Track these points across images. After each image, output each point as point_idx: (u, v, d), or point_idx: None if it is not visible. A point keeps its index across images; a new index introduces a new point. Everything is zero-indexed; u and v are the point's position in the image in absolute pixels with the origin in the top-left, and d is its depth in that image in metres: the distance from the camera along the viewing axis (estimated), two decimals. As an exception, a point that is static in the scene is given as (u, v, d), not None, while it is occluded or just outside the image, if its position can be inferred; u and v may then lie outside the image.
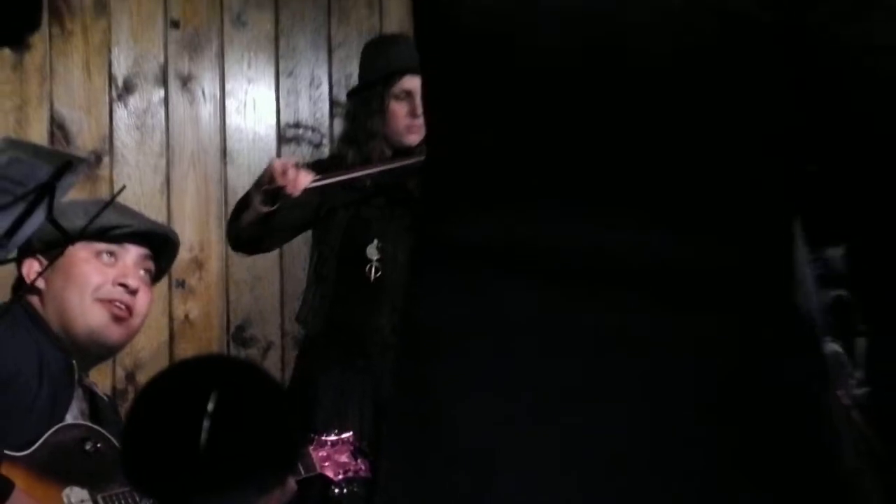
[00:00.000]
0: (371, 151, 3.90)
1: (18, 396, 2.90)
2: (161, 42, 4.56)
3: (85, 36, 4.47)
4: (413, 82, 3.77)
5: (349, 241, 3.89)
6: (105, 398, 3.25)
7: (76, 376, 3.07)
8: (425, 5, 1.72)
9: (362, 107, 3.98)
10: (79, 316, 3.07)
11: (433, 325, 1.65)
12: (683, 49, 1.54)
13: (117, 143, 4.50)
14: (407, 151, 3.84)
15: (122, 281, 3.11)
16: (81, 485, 2.92)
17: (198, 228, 4.52)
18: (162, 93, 4.57)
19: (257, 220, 3.71)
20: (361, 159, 3.90)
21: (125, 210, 3.24)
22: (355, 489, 3.38)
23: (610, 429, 1.55)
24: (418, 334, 1.69)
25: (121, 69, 4.52)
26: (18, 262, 3.06)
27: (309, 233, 4.05)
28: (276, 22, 4.70)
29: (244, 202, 3.80)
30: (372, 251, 3.86)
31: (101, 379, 4.07)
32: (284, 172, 3.64)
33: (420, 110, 3.73)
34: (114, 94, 4.50)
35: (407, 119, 3.88)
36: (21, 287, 3.09)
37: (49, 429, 2.91)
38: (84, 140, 4.44)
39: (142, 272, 3.17)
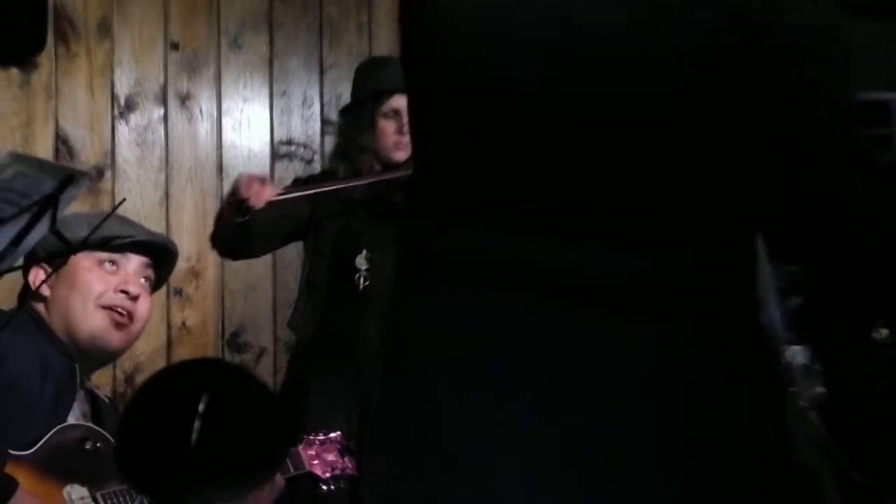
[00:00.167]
0: (361, 166, 3.91)
1: (23, 398, 2.89)
2: (161, 63, 4.56)
3: (89, 57, 4.47)
4: (401, 101, 3.77)
5: (339, 251, 3.89)
6: (106, 400, 3.24)
7: (78, 379, 3.06)
8: (409, 31, 1.73)
9: (353, 124, 3.99)
10: (82, 321, 3.06)
11: (422, 332, 1.64)
12: (653, 70, 1.54)
13: (119, 158, 4.49)
14: (395, 166, 3.84)
15: (124, 288, 3.10)
16: (82, 482, 2.91)
17: (195, 240, 4.51)
18: (162, 111, 4.56)
19: (231, 229, 3.73)
20: (352, 173, 3.90)
21: (126, 221, 3.23)
22: (342, 486, 3.37)
23: (610, 429, 1.54)
24: (406, 342, 1.67)
25: (123, 88, 4.51)
26: (24, 270, 3.06)
27: (300, 244, 4.05)
28: (271, 45, 4.70)
29: (220, 212, 3.82)
30: (361, 261, 3.86)
31: (103, 381, 4.07)
32: (249, 185, 3.66)
33: (407, 128, 3.76)
34: (116, 112, 4.50)
35: (395, 136, 3.88)
36: (27, 294, 3.09)
37: (52, 429, 2.90)
38: (87, 155, 4.45)
39: (142, 280, 3.17)
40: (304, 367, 3.94)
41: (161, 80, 4.56)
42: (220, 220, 3.82)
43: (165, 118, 4.56)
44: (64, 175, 2.46)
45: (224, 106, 4.64)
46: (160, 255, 3.24)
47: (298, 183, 4.06)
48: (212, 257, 4.45)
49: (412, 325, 1.67)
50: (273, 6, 4.71)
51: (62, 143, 4.42)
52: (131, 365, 4.40)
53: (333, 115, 4.62)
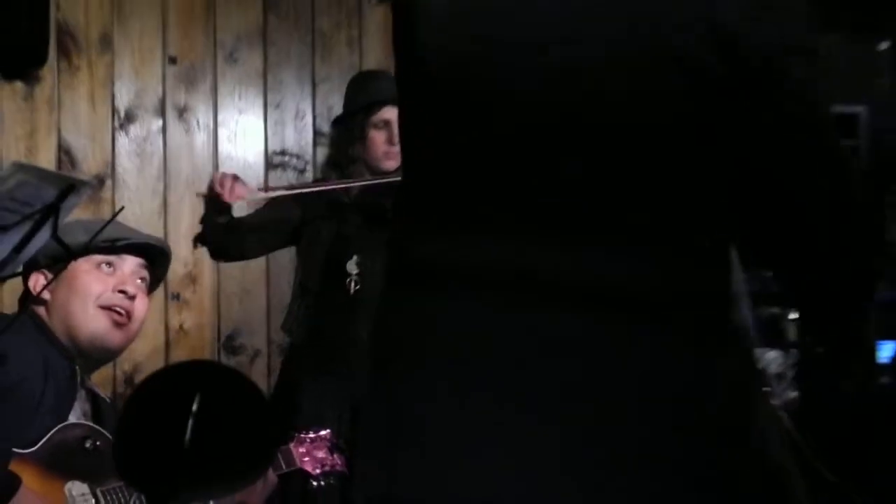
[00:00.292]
0: (352, 175, 3.91)
1: (26, 399, 2.88)
2: (160, 76, 4.56)
3: (90, 70, 4.47)
4: (391, 113, 3.78)
5: (331, 256, 3.88)
6: (107, 399, 3.24)
7: (78, 380, 3.05)
8: (402, 40, 1.72)
9: (345, 134, 3.99)
10: (82, 322, 3.05)
11: (417, 335, 1.62)
12: (637, 92, 1.53)
13: (119, 168, 4.49)
14: (384, 175, 3.84)
15: (122, 288, 3.09)
16: (82, 479, 2.90)
17: (192, 246, 4.50)
18: (160, 122, 4.56)
19: (213, 228, 3.74)
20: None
21: (121, 225, 3.22)
22: (332, 482, 3.37)
23: (610, 429, 1.52)
24: (398, 344, 1.65)
25: (123, 101, 4.51)
26: (24, 276, 3.05)
27: (294, 249, 4.05)
28: (265, 59, 4.70)
29: (204, 213, 3.83)
30: (352, 266, 3.85)
31: (104, 382, 4.06)
32: (221, 182, 3.67)
33: (397, 138, 3.75)
34: (116, 123, 4.50)
35: (385, 146, 3.87)
36: (28, 299, 3.08)
37: (53, 428, 2.89)
38: (89, 165, 4.45)
39: (138, 280, 3.16)
40: (296, 368, 3.94)
41: (159, 92, 4.56)
42: (204, 220, 3.82)
43: (164, 129, 4.56)
44: (65, 184, 2.45)
45: (220, 117, 4.63)
46: (154, 256, 3.24)
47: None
48: (208, 263, 4.45)
49: (405, 327, 1.65)
50: (267, 21, 4.71)
51: (65, 153, 4.42)
52: (131, 366, 4.40)
53: (325, 127, 4.62)
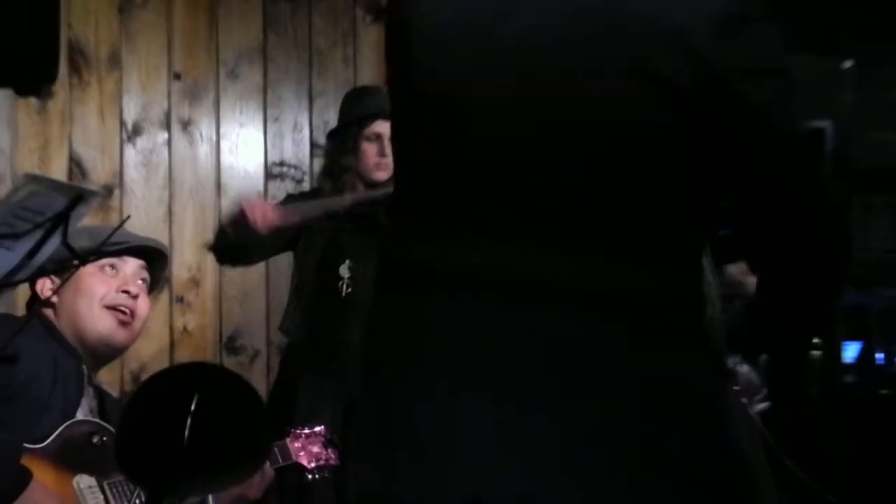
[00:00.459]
0: (345, 184, 3.89)
1: (36, 397, 2.88)
2: (165, 91, 4.55)
3: (100, 86, 4.47)
4: (383, 126, 3.77)
5: (325, 261, 3.87)
6: (113, 396, 3.23)
7: (85, 378, 3.04)
8: (394, 57, 1.71)
9: (338, 146, 3.98)
10: (89, 322, 3.04)
11: (414, 336, 1.59)
12: (606, 103, 1.52)
13: (126, 178, 4.48)
14: (376, 185, 3.83)
15: (125, 288, 3.09)
16: (90, 473, 2.89)
17: (195, 252, 4.52)
18: (165, 135, 4.55)
19: (229, 243, 3.63)
20: (336, 191, 3.88)
21: (122, 230, 3.22)
22: (326, 475, 3.36)
23: (610, 429, 1.48)
24: (392, 346, 1.62)
25: (130, 115, 4.51)
26: (31, 281, 3.04)
27: (291, 254, 4.04)
28: (265, 75, 4.70)
29: (223, 229, 3.71)
30: (344, 270, 3.85)
31: (112, 380, 4.06)
32: (254, 210, 3.53)
33: (388, 150, 3.75)
34: (124, 136, 4.49)
35: (376, 157, 3.87)
36: (35, 303, 3.07)
37: (62, 424, 2.88)
38: (98, 175, 4.45)
39: (139, 281, 3.16)
40: (294, 368, 3.93)
41: (165, 107, 4.55)
42: (221, 233, 3.76)
43: (169, 141, 4.55)
44: (75, 194, 2.45)
45: (222, 130, 4.63)
46: (154, 257, 3.23)
47: (290, 199, 4.04)
48: (211, 267, 4.45)
49: (401, 329, 1.62)
50: (267, 40, 4.70)
51: (75, 164, 4.42)
52: (137, 365, 4.40)
53: (321, 139, 4.61)
